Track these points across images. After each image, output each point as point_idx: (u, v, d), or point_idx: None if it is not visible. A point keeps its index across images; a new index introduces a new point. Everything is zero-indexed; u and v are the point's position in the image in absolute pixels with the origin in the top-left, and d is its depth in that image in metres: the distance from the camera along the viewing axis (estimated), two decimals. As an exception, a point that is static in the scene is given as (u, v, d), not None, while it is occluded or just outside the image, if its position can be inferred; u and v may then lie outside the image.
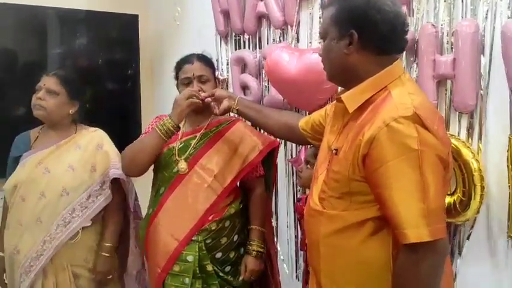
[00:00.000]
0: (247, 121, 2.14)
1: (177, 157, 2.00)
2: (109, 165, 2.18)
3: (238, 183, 2.10)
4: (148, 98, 3.48)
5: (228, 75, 2.90)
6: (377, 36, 1.33)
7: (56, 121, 2.16)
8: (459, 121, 1.86)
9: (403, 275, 1.24)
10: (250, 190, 2.12)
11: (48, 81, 2.11)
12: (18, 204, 2.11)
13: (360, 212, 1.32)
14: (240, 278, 2.01)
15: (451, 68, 1.82)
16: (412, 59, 1.98)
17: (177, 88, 2.10)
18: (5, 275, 2.25)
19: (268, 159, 2.16)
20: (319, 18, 2.33)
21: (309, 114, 2.41)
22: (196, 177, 1.99)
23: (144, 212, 2.22)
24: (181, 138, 2.04)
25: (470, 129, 1.83)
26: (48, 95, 2.09)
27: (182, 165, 1.98)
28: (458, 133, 1.85)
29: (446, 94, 1.89)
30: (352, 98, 1.36)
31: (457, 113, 1.86)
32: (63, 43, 3.17)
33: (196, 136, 2.04)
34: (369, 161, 1.25)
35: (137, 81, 3.43)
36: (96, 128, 2.28)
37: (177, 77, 2.09)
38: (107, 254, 2.18)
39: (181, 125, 2.03)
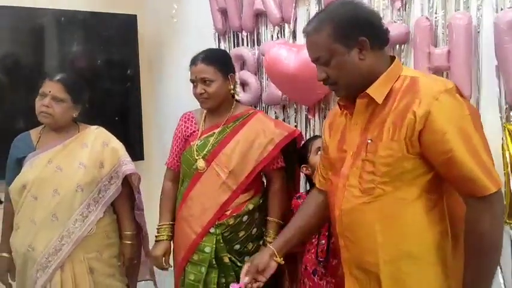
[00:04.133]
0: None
1: (195, 156, 2.07)
2: (117, 161, 2.26)
3: (262, 175, 2.15)
4: (148, 97, 3.51)
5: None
6: (378, 33, 1.43)
7: (61, 125, 2.21)
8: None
9: (481, 228, 1.32)
10: (269, 182, 2.16)
11: (53, 88, 2.14)
12: (30, 203, 2.14)
13: (413, 188, 1.39)
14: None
15: (446, 60, 1.86)
16: (407, 51, 2.02)
17: None
18: (8, 275, 2.28)
19: (290, 149, 2.15)
20: (316, 14, 2.37)
21: (308, 109, 2.48)
22: (213, 174, 2.05)
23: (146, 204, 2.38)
24: (200, 137, 2.11)
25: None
26: (54, 102, 2.13)
27: (200, 163, 2.06)
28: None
29: (442, 85, 1.93)
30: (377, 90, 1.42)
31: (453, 103, 1.90)
32: (62, 44, 3.18)
33: (214, 133, 2.09)
34: (427, 134, 1.33)
35: (137, 81, 3.45)
36: (97, 126, 2.34)
37: None
38: (128, 242, 2.30)
39: (200, 124, 2.14)
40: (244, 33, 2.77)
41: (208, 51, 2.09)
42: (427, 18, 1.92)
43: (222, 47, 2.94)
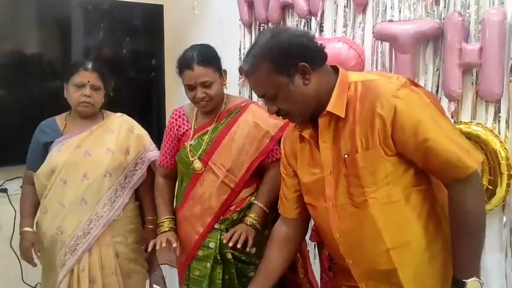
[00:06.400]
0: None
1: (190, 157, 2.02)
2: (142, 148, 2.32)
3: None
4: (172, 87, 3.49)
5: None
6: (315, 54, 1.43)
7: (95, 113, 2.28)
8: (486, 110, 1.86)
9: (467, 207, 1.35)
10: (265, 171, 2.07)
11: (91, 77, 2.19)
12: (59, 186, 2.18)
13: (401, 187, 1.41)
14: (224, 241, 1.96)
15: (477, 56, 1.82)
16: (437, 47, 1.98)
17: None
18: (32, 250, 2.29)
19: None
20: (344, 7, 2.34)
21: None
22: (210, 174, 2.01)
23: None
24: (193, 136, 2.05)
25: (497, 117, 1.82)
26: (93, 91, 2.20)
27: (197, 165, 2.01)
28: (485, 122, 1.85)
29: (472, 83, 1.88)
30: (337, 105, 1.42)
31: (484, 101, 1.85)
32: (88, 33, 3.19)
33: (207, 131, 2.03)
34: (399, 132, 1.35)
35: (162, 71, 3.44)
36: (121, 114, 2.39)
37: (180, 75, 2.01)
38: (151, 226, 2.34)
39: (192, 122, 2.07)
40: (270, 25, 2.75)
41: (198, 51, 1.96)
42: (459, 13, 1.87)
43: (247, 39, 2.92)
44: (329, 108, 1.42)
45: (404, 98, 1.35)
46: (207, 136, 2.02)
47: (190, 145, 2.03)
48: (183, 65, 1.94)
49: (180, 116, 2.13)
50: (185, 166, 2.06)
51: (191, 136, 2.05)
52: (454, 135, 1.36)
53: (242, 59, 2.94)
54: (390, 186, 1.40)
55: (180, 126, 2.11)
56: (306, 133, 1.52)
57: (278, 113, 1.48)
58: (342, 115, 1.41)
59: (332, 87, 1.43)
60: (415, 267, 1.45)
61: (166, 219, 2.12)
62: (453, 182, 1.37)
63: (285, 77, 1.40)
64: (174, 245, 2.00)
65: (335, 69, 1.48)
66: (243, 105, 2.07)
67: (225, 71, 2.02)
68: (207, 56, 1.96)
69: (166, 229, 2.08)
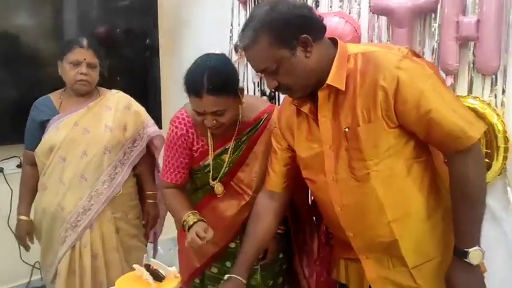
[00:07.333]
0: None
1: (210, 180, 1.84)
2: (140, 124, 2.32)
3: None
4: (167, 66, 3.48)
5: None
6: (316, 25, 1.40)
7: (91, 90, 2.26)
8: (482, 83, 1.85)
9: (468, 178, 1.35)
10: None
11: (87, 55, 2.17)
12: (58, 164, 2.18)
13: (403, 160, 1.41)
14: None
15: (474, 29, 1.81)
16: (434, 21, 1.97)
17: None
18: (27, 238, 2.32)
19: None
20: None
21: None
22: (233, 193, 1.86)
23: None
24: (213, 152, 1.84)
25: (493, 91, 1.82)
26: (90, 68, 2.18)
27: (218, 188, 1.85)
28: (481, 95, 1.85)
29: (468, 56, 1.88)
30: (337, 78, 1.39)
31: (480, 75, 1.85)
32: (80, 11, 3.15)
33: (227, 149, 1.83)
34: (401, 104, 1.33)
35: (156, 50, 3.42)
36: (117, 90, 2.38)
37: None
38: (151, 201, 2.40)
39: (207, 138, 1.84)
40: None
41: (209, 74, 1.63)
42: (456, -15, 1.86)
43: (242, 16, 2.89)
44: (329, 81, 1.39)
45: (407, 69, 1.32)
46: (227, 156, 1.83)
47: (210, 165, 1.84)
48: (191, 90, 1.66)
49: (190, 127, 1.84)
50: (202, 183, 1.89)
51: (210, 156, 1.84)
52: (456, 106, 1.35)
53: (237, 37, 2.92)
54: (392, 158, 1.40)
55: (193, 140, 1.85)
56: (305, 108, 1.50)
57: (277, 88, 1.45)
58: (342, 88, 1.39)
59: (331, 60, 1.40)
60: (416, 238, 1.46)
61: (190, 214, 1.78)
62: (455, 153, 1.36)
63: (287, 49, 1.36)
64: (208, 236, 1.68)
65: (333, 42, 1.46)
66: (265, 116, 1.85)
67: (241, 89, 1.74)
68: (221, 82, 1.64)
69: (195, 220, 1.75)
